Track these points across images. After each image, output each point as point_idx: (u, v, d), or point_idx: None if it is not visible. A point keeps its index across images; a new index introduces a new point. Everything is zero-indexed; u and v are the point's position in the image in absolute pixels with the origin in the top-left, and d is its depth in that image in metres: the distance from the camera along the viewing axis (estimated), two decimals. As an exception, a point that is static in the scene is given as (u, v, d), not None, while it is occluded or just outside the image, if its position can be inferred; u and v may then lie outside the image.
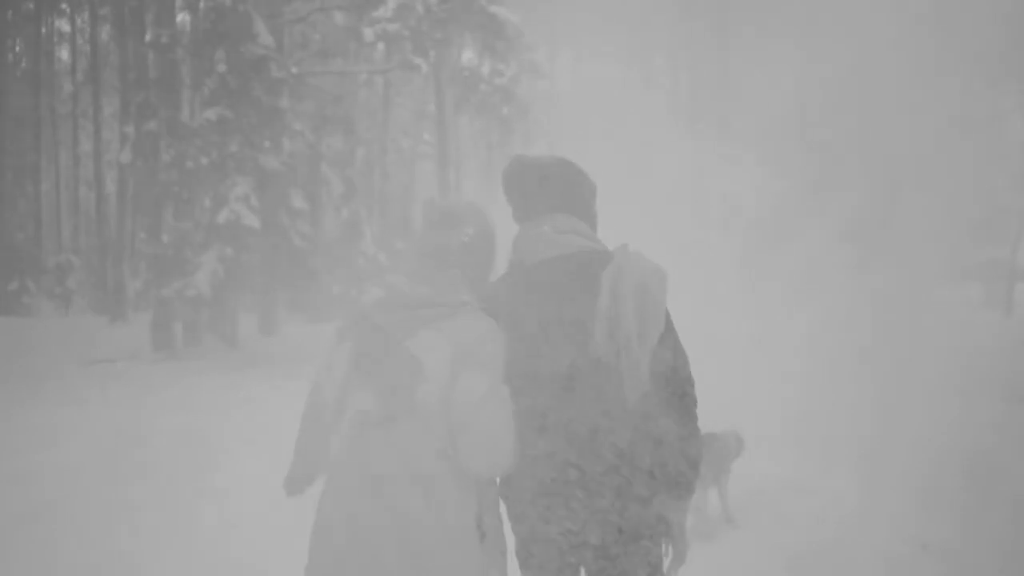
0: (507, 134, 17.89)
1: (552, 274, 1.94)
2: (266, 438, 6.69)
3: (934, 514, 4.42)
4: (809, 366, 9.07)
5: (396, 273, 1.98)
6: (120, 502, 4.96)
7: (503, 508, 1.98)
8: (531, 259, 1.98)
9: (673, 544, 1.95)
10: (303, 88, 14.33)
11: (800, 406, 6.94)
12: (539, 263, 1.96)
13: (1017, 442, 6.10)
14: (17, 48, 26.44)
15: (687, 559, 1.97)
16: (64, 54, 28.75)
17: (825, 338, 11.36)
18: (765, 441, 4.71)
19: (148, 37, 14.27)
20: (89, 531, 4.44)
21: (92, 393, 9.12)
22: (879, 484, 4.92)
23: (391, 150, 25.75)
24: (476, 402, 1.80)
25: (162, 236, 13.34)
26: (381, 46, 16.88)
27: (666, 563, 1.95)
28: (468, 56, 18.26)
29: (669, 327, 1.90)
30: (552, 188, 2.03)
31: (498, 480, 1.96)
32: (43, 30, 26.49)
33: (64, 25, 27.90)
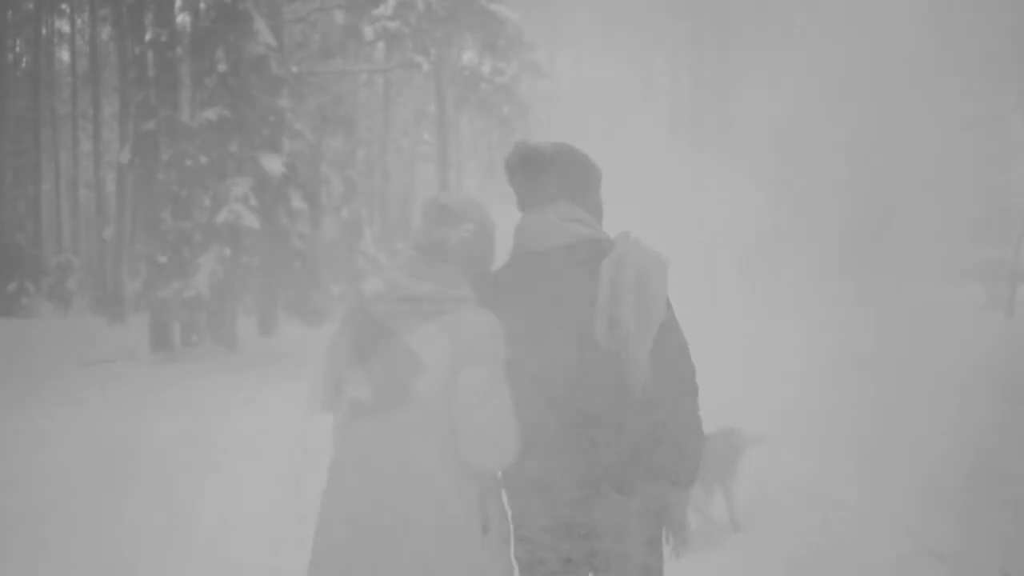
0: (507, 133, 17.88)
1: (554, 262, 1.93)
2: (265, 439, 6.70)
3: (934, 514, 4.41)
4: (809, 367, 9.08)
5: (395, 268, 1.98)
6: (119, 503, 4.95)
7: (505, 500, 1.98)
8: (533, 247, 1.98)
9: (674, 532, 1.95)
10: (303, 87, 14.33)
11: (800, 406, 6.94)
12: (541, 251, 1.96)
13: (1018, 443, 6.09)
14: (17, 48, 26.45)
15: (690, 548, 1.97)
16: (64, 54, 28.77)
17: (825, 338, 11.38)
18: (765, 442, 4.69)
19: (148, 36, 14.25)
20: (88, 531, 4.44)
21: (91, 394, 9.11)
22: (879, 484, 4.91)
23: (391, 150, 25.75)
24: (477, 396, 1.80)
25: (161, 236, 13.32)
26: (381, 45, 16.88)
27: (667, 551, 1.95)
28: (469, 56, 18.24)
29: (670, 316, 1.90)
30: (556, 176, 2.02)
31: (500, 473, 1.95)
32: (43, 30, 26.50)
33: (64, 25, 27.94)
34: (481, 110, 17.19)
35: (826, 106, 11.40)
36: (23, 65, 26.59)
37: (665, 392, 1.86)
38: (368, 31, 14.59)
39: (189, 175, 12.40)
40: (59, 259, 22.79)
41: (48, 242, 26.73)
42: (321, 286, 13.66)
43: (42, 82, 25.40)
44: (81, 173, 28.19)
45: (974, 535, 4.15)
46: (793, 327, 12.02)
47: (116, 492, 5.17)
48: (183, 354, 12.75)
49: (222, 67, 12.31)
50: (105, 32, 25.44)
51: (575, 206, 2.01)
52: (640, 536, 1.88)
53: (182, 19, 16.52)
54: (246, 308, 17.91)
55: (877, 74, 12.32)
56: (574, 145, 2.08)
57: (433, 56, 15.28)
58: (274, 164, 12.51)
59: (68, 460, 6.02)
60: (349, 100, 21.07)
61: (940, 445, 5.53)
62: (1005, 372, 8.99)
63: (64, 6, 26.48)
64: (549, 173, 2.02)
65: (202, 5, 14.28)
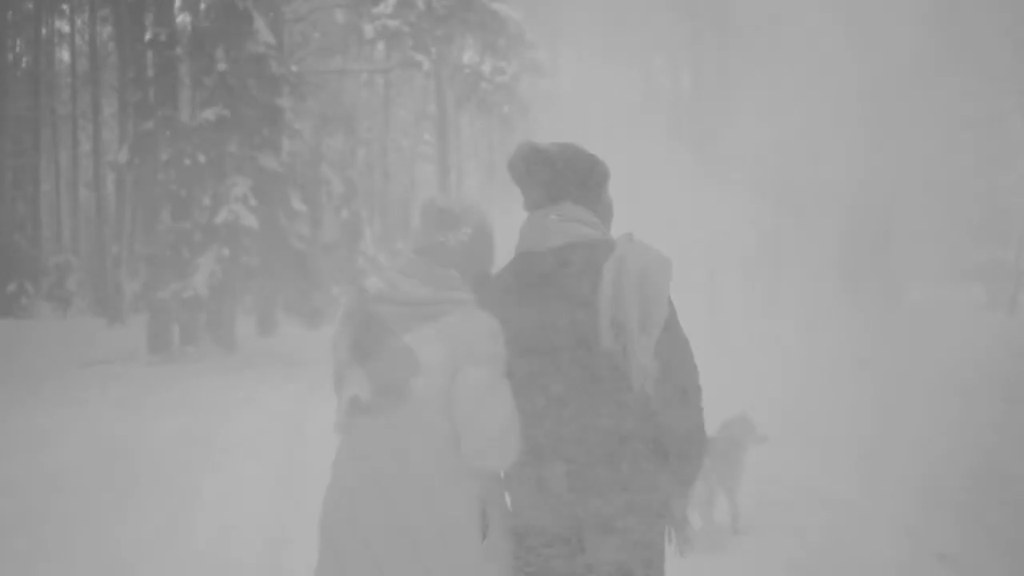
0: (508, 133, 17.88)
1: (553, 263, 1.93)
2: (265, 439, 6.71)
3: (934, 514, 4.41)
4: (809, 367, 9.08)
5: (395, 271, 1.97)
6: (119, 503, 4.95)
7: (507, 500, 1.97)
8: (533, 247, 1.98)
9: (676, 530, 1.95)
10: (303, 87, 14.32)
11: (800, 406, 6.94)
12: (541, 252, 1.96)
13: (1018, 443, 6.09)
14: (17, 48, 26.45)
15: (693, 547, 1.97)
16: (64, 54, 28.75)
17: (825, 338, 11.39)
18: (766, 441, 4.67)
19: (147, 36, 14.24)
20: (88, 532, 4.43)
21: (91, 394, 9.12)
22: (880, 484, 4.91)
23: (391, 150, 25.75)
24: (478, 397, 1.80)
25: (160, 236, 13.31)
26: (382, 45, 16.87)
27: (670, 549, 1.95)
28: (469, 55, 18.24)
29: (673, 316, 1.89)
30: (558, 176, 2.01)
31: (502, 474, 1.95)
32: (43, 30, 26.49)
33: (64, 25, 27.90)
34: (481, 109, 17.18)
35: (826, 106, 11.40)
36: (23, 65, 26.59)
37: (668, 393, 1.86)
38: (368, 29, 14.58)
39: (188, 175, 12.39)
40: (58, 259, 22.76)
41: (48, 242, 26.71)
42: (320, 286, 13.64)
43: (42, 82, 25.40)
44: (81, 173, 28.15)
45: (974, 535, 4.15)
46: (793, 327, 12.02)
47: (116, 492, 5.17)
48: (182, 354, 12.75)
49: (222, 66, 12.30)
50: (105, 32, 25.42)
51: (578, 206, 2.00)
52: (641, 536, 1.87)
53: (182, 19, 16.55)
54: (245, 308, 17.92)
55: (877, 74, 12.33)
56: (579, 145, 2.08)
57: (433, 55, 15.28)
58: (274, 164, 12.51)
59: (68, 460, 6.02)
60: (349, 100, 21.07)
61: (940, 445, 5.53)
62: (1005, 372, 8.99)
63: (64, 6, 26.47)
64: (551, 174, 2.01)
65: (202, 5, 14.28)
